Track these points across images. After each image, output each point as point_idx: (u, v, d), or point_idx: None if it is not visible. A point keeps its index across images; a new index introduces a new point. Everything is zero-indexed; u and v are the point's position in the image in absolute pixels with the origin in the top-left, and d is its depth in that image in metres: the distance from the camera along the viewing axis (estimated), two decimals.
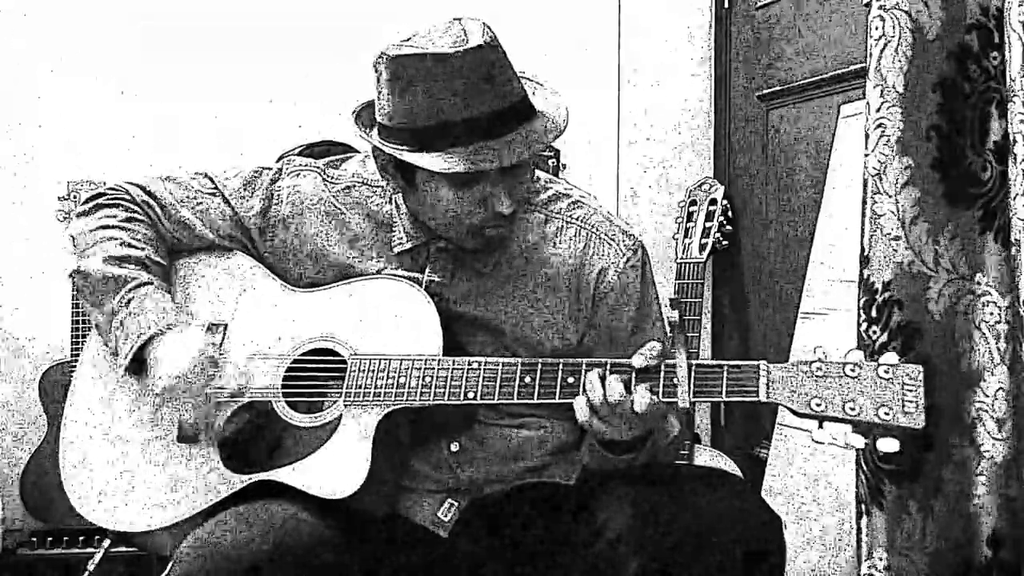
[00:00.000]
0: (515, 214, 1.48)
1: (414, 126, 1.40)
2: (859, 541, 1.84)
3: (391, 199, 1.58)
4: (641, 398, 1.32)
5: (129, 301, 1.52)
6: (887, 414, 1.24)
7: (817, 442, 1.28)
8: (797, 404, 1.27)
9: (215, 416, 1.50)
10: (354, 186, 1.61)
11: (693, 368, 1.32)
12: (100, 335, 1.58)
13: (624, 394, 1.33)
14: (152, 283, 1.55)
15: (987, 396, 1.77)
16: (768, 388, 1.29)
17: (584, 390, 1.37)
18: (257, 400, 1.51)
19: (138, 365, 1.52)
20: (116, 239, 1.57)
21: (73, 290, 1.62)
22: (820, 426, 1.28)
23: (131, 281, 1.53)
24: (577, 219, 1.57)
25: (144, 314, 1.51)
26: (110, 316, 1.53)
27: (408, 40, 1.42)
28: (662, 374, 1.34)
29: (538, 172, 1.62)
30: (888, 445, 1.24)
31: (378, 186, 1.60)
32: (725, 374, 1.31)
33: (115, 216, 1.60)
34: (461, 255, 1.54)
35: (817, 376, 1.28)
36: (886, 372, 1.26)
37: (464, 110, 1.37)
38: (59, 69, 2.89)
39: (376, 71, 1.44)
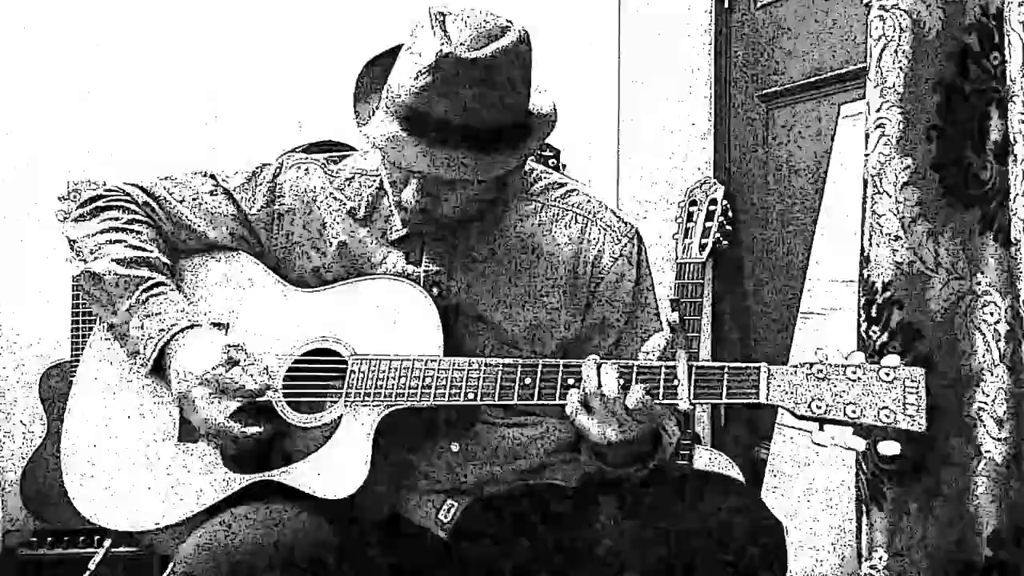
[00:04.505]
0: (436, 215, 1.47)
1: (393, 92, 1.41)
2: (859, 541, 1.84)
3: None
4: (634, 394, 1.32)
5: (146, 302, 1.51)
6: (888, 417, 1.23)
7: (818, 444, 1.28)
8: (798, 406, 1.27)
9: (232, 417, 1.47)
10: (354, 178, 1.62)
11: (694, 369, 1.32)
12: (114, 337, 1.57)
13: (618, 390, 1.32)
14: (166, 284, 1.55)
15: (987, 396, 1.77)
16: (769, 390, 1.28)
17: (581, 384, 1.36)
18: (258, 400, 1.51)
19: (158, 366, 1.51)
20: (122, 241, 1.56)
21: (80, 292, 1.59)
22: (821, 428, 1.28)
23: (145, 282, 1.53)
24: (573, 207, 1.58)
25: (164, 315, 1.51)
26: (126, 318, 1.52)
27: (451, 14, 1.42)
28: (662, 375, 1.33)
29: (533, 164, 1.62)
30: (889, 448, 1.24)
31: (377, 176, 1.61)
32: (726, 376, 1.31)
33: (118, 219, 1.59)
34: (456, 244, 1.54)
35: (818, 378, 1.27)
36: (887, 374, 1.25)
37: (427, 103, 1.37)
38: (59, 69, 2.89)
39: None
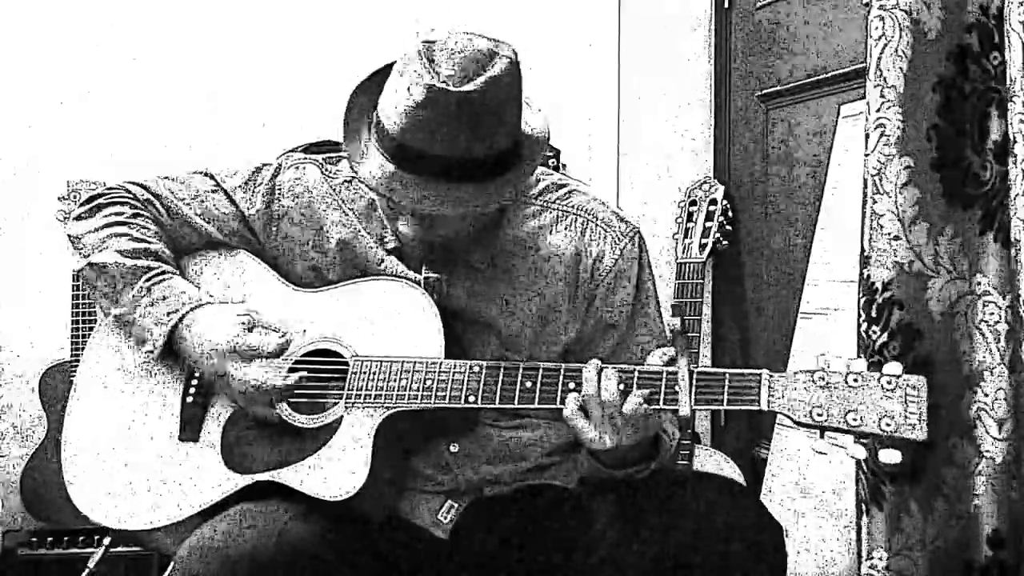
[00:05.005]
0: (434, 239, 1.46)
1: (384, 127, 1.39)
2: (859, 541, 1.84)
3: None
4: (632, 401, 1.32)
5: (151, 289, 1.53)
6: (889, 425, 1.23)
7: (818, 452, 1.28)
8: (798, 414, 1.26)
9: (279, 373, 1.48)
10: (352, 179, 1.62)
11: (695, 376, 1.31)
12: (119, 327, 1.58)
13: (618, 395, 1.32)
14: (170, 273, 1.56)
15: (987, 396, 1.77)
16: (769, 397, 1.28)
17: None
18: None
19: (168, 350, 1.52)
20: (126, 235, 1.57)
21: (84, 285, 1.60)
22: (821, 436, 1.28)
23: (151, 270, 1.54)
24: (573, 207, 1.57)
25: (171, 298, 1.52)
26: (131, 306, 1.53)
27: (439, 42, 1.38)
28: (663, 381, 1.33)
29: None
30: (889, 456, 1.23)
31: None
32: (727, 382, 1.30)
33: (121, 214, 1.60)
34: (454, 251, 1.54)
35: (819, 386, 1.27)
36: (889, 383, 1.24)
37: (421, 140, 1.35)
38: (58, 69, 2.89)
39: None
